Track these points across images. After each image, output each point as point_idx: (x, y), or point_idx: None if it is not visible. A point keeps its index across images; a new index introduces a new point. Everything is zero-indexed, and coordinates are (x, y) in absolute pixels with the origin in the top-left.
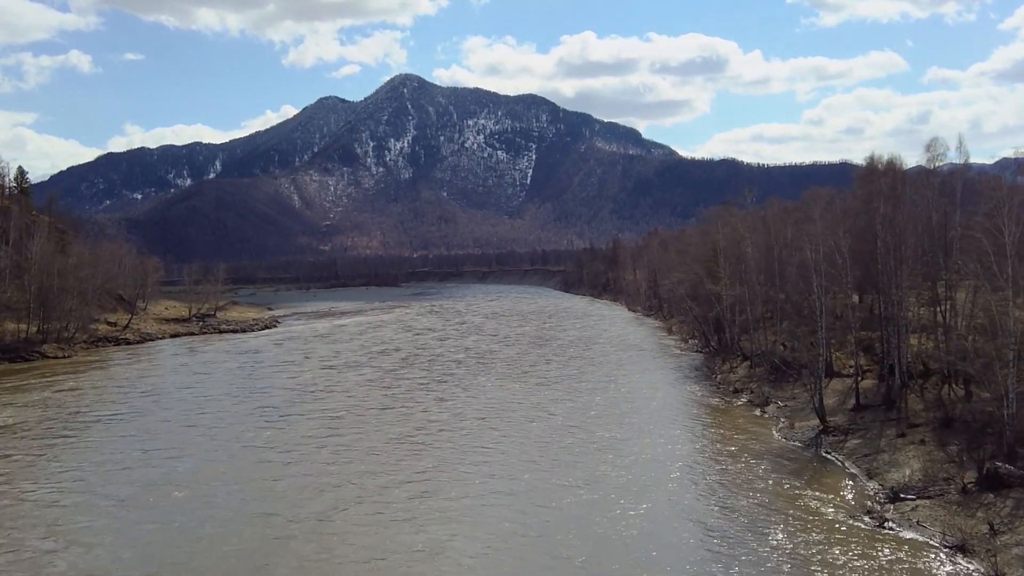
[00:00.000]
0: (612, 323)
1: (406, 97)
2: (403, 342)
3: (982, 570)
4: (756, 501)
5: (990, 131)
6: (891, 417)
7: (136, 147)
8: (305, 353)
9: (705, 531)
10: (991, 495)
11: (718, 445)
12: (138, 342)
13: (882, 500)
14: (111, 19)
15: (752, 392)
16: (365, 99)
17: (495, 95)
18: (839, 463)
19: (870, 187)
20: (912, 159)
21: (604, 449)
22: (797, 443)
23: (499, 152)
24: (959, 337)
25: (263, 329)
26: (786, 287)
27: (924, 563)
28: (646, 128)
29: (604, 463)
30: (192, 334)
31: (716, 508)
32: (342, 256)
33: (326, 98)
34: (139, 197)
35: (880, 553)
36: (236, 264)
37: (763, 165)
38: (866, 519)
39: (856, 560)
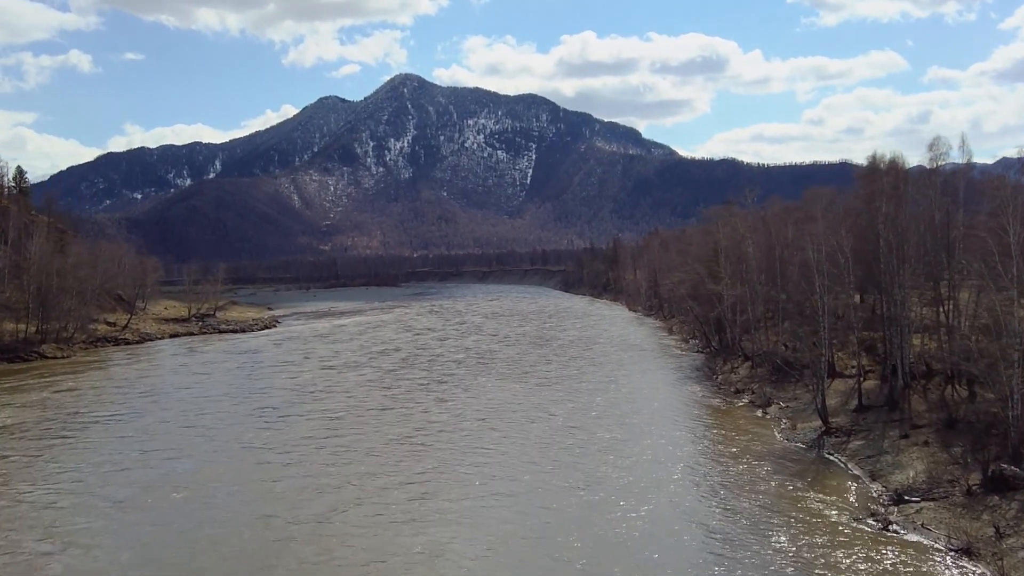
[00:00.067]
0: (612, 323)
1: (406, 97)
2: (403, 342)
3: (988, 574)
4: (758, 503)
5: (990, 131)
6: (894, 418)
7: (136, 147)
8: (305, 353)
9: (707, 533)
10: (996, 497)
11: (720, 446)
12: (137, 342)
13: (886, 502)
14: (111, 19)
15: (754, 393)
16: (365, 99)
17: (495, 95)
18: (842, 464)
19: (872, 186)
20: (913, 159)
21: (605, 450)
22: (799, 444)
23: (499, 152)
24: (962, 337)
25: (263, 329)
26: (787, 287)
27: (929, 567)
28: (646, 128)
29: (605, 464)
30: (191, 334)
31: (718, 510)
32: (342, 256)
33: (326, 98)
34: (139, 197)
35: (884, 556)
36: (236, 264)
37: (763, 165)
38: (870, 522)
39: (860, 563)
